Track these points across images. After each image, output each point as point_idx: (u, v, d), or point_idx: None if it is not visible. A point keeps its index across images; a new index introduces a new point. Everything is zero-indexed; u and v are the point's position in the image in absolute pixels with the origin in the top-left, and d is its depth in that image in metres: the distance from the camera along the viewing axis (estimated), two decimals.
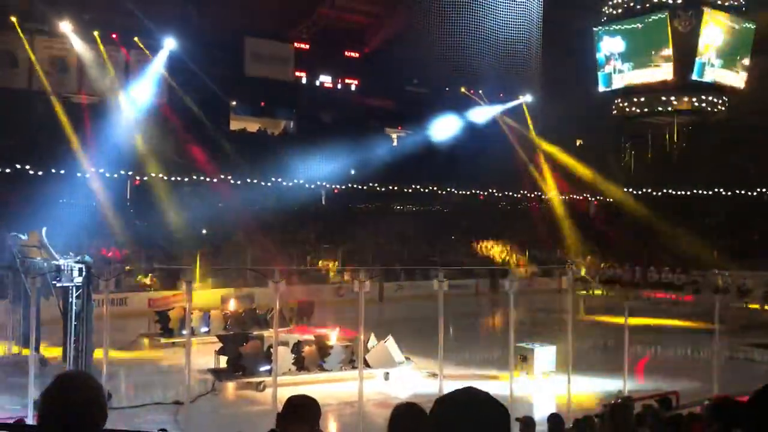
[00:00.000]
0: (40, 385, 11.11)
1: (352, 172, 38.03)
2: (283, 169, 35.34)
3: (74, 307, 13.65)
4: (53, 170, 29.68)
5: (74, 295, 13.72)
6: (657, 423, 7.82)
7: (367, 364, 14.86)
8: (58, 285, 13.88)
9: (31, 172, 29.61)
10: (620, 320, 13.59)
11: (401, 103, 42.64)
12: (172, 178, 33.04)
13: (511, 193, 43.74)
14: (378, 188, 38.97)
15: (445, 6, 35.42)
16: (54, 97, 31.56)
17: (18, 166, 29.45)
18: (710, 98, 35.98)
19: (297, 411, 3.28)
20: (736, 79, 35.87)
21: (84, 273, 13.77)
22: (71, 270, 13.71)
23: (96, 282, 14.13)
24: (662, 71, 35.15)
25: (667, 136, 44.51)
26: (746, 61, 35.84)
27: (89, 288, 13.94)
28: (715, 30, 34.26)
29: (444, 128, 41.57)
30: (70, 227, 22.83)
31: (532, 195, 44.08)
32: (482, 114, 43.72)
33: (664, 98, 36.41)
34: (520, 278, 28.89)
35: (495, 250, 38.67)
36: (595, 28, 37.21)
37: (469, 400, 2.12)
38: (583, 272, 33.95)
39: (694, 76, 34.35)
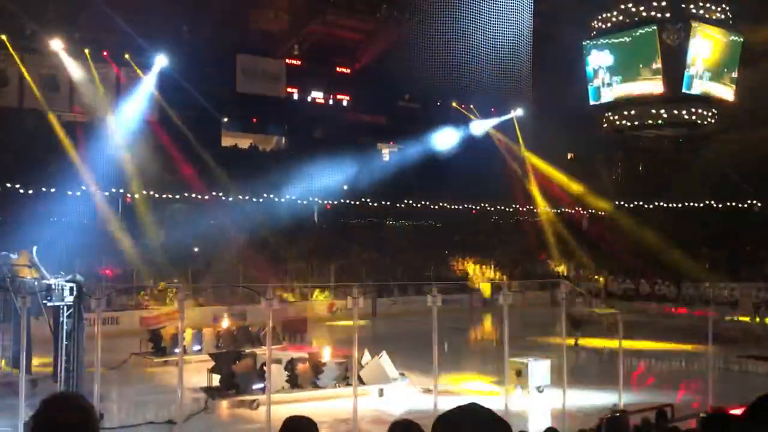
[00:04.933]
0: (30, 405, 11.00)
1: (345, 187, 38.03)
2: (274, 186, 35.28)
3: (65, 327, 13.53)
4: (44, 189, 29.56)
5: (65, 315, 13.60)
6: None
7: (361, 381, 14.78)
8: (49, 304, 13.77)
9: (22, 191, 29.47)
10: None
11: (393, 119, 42.76)
12: (164, 196, 32.96)
13: (502, 207, 43.82)
14: (370, 203, 38.98)
15: (435, 21, 35.64)
16: (45, 115, 31.49)
17: (8, 185, 29.31)
18: (700, 111, 36.19)
19: None
20: (725, 91, 36.14)
21: (75, 292, 13.67)
22: (62, 289, 13.60)
23: (87, 301, 14.03)
24: (651, 84, 35.38)
25: (657, 149, 44.86)
26: (734, 74, 36.13)
27: (80, 307, 13.83)
28: (703, 43, 34.55)
29: (438, 142, 41.73)
30: (61, 246, 22.73)
31: (524, 209, 44.18)
32: (474, 128, 43.91)
33: (653, 111, 36.60)
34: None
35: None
36: (583, 42, 37.45)
37: (472, 416, 2.10)
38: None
39: (684, 89, 34.56)
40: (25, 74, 31.66)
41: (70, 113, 33.51)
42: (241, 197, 34.64)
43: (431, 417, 2.20)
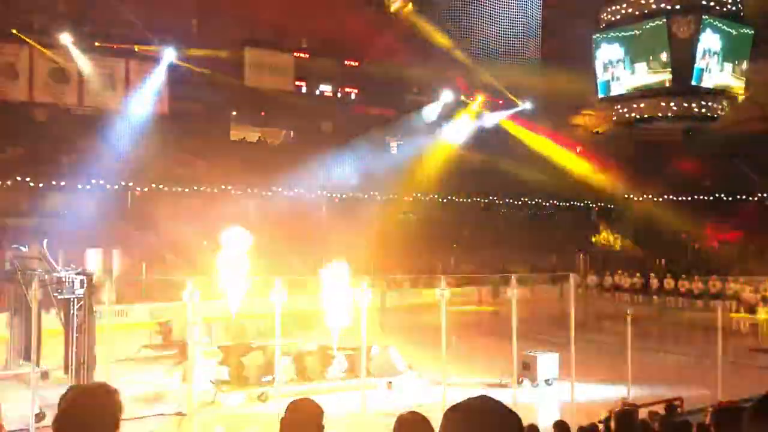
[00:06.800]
0: (40, 398, 11.10)
1: (353, 181, 38.02)
2: (283, 179, 35.29)
3: (75, 319, 13.62)
4: (54, 182, 29.69)
5: (75, 307, 13.69)
6: (663, 429, 7.78)
7: (369, 373, 14.82)
8: (60, 297, 13.86)
9: (32, 184, 29.61)
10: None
11: (401, 112, 42.69)
12: (173, 189, 33.03)
13: (511, 201, 43.71)
14: (379, 197, 38.92)
15: (443, 14, 35.61)
16: (54, 108, 31.61)
17: (18, 178, 29.46)
18: (710, 104, 35.94)
19: (301, 415, 3.24)
20: (735, 84, 35.88)
21: (85, 285, 13.76)
22: (72, 282, 13.69)
23: (97, 293, 14.12)
24: (661, 77, 35.17)
25: (667, 142, 44.57)
26: (744, 67, 35.86)
27: (90, 300, 13.92)
28: (713, 36, 34.30)
29: (450, 134, 41.68)
30: (71, 239, 22.84)
31: (532, 202, 44.07)
32: (483, 121, 43.80)
33: (663, 104, 36.38)
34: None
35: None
36: (593, 36, 37.24)
37: (482, 408, 2.10)
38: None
39: (693, 82, 34.32)
40: (35, 68, 31.78)
41: (80, 106, 33.63)
42: (249, 190, 34.68)
43: (440, 409, 2.21)
